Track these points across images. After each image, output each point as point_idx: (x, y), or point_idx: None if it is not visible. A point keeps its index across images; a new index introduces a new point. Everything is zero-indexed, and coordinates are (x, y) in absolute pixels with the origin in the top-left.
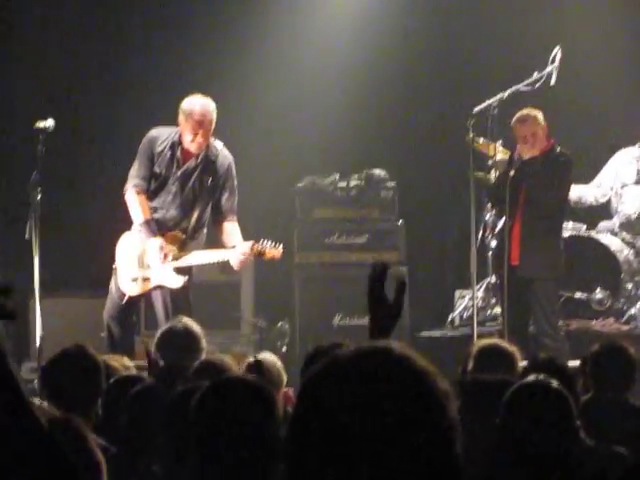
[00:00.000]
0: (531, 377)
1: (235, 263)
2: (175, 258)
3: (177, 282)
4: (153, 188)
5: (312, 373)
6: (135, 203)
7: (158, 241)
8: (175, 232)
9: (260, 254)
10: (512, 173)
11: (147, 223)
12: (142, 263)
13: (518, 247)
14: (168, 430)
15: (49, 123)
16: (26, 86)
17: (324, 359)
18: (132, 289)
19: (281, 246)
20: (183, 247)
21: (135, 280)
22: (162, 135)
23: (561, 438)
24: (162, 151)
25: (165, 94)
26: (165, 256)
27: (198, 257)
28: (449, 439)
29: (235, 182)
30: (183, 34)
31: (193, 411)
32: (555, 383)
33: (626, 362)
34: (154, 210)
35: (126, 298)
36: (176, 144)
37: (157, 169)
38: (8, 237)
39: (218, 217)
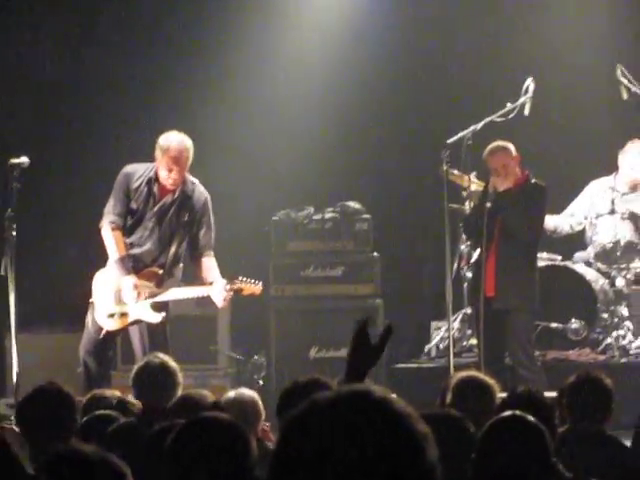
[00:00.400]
0: (507, 412)
1: (218, 300)
2: (152, 294)
3: (155, 318)
4: (130, 224)
5: (291, 417)
6: (111, 240)
7: (132, 279)
8: (152, 268)
9: (238, 291)
10: (488, 205)
11: (122, 260)
12: (119, 299)
13: (493, 278)
14: (145, 469)
15: (23, 160)
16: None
17: (303, 402)
18: (110, 324)
19: (260, 283)
20: (160, 283)
21: (112, 316)
22: (138, 171)
23: (537, 473)
24: (138, 187)
25: (141, 129)
26: (139, 294)
27: (176, 293)
28: None
29: (212, 217)
30: (157, 66)
31: (167, 450)
32: (531, 417)
33: (602, 393)
34: (131, 246)
35: (103, 333)
36: (152, 180)
37: (134, 205)
38: None
39: (195, 253)
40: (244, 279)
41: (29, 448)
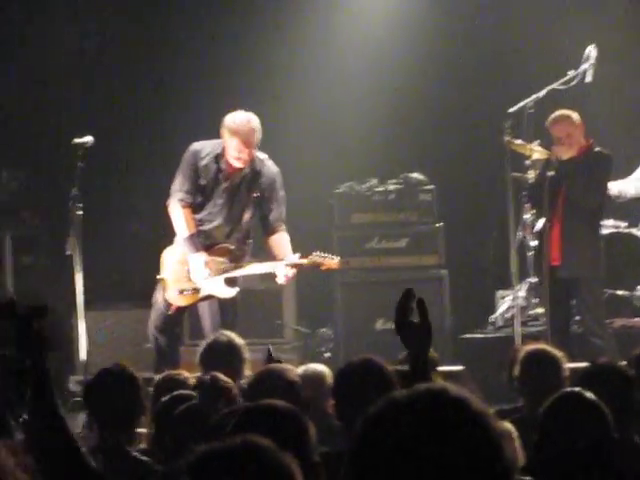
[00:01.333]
0: (568, 389)
1: (280, 277)
2: (225, 270)
3: (229, 292)
4: (199, 201)
5: (369, 415)
6: (180, 217)
7: (203, 256)
8: (224, 244)
9: (316, 265)
10: (550, 174)
11: (192, 237)
12: (190, 276)
13: (558, 248)
14: None
15: (87, 139)
16: (66, 102)
17: (380, 401)
18: (181, 300)
19: (338, 258)
20: (233, 259)
21: (183, 292)
22: (205, 148)
23: (600, 451)
24: (206, 164)
25: (206, 107)
26: (211, 271)
27: (248, 269)
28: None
29: (282, 193)
30: (216, 51)
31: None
32: (591, 395)
33: None
34: (200, 222)
35: (173, 308)
36: (220, 157)
37: (202, 182)
38: (51, 253)
39: (267, 229)
40: (321, 254)
41: (98, 430)
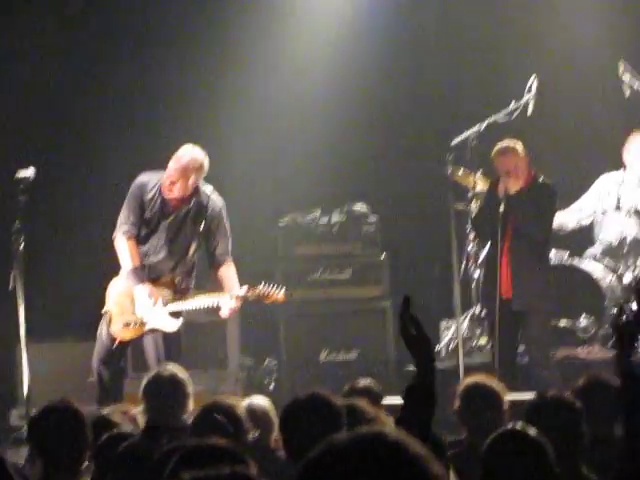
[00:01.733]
0: (508, 426)
1: (224, 310)
2: (170, 302)
3: (173, 326)
4: (144, 233)
5: (309, 460)
6: (125, 250)
7: (147, 287)
8: (169, 277)
9: (261, 297)
10: (502, 208)
11: (135, 270)
12: (134, 309)
13: (508, 280)
14: None
15: (30, 172)
16: (6, 134)
17: (320, 445)
18: (125, 333)
19: (284, 289)
20: (177, 292)
21: (128, 325)
22: (151, 181)
23: None
24: (152, 197)
25: (151, 137)
26: (156, 303)
27: (193, 302)
28: None
29: (227, 225)
30: (159, 76)
31: (167, 477)
32: (532, 432)
33: (612, 395)
34: (146, 255)
35: (117, 343)
36: (164, 187)
37: (148, 214)
38: None
39: (214, 262)
40: (266, 286)
41: (42, 465)
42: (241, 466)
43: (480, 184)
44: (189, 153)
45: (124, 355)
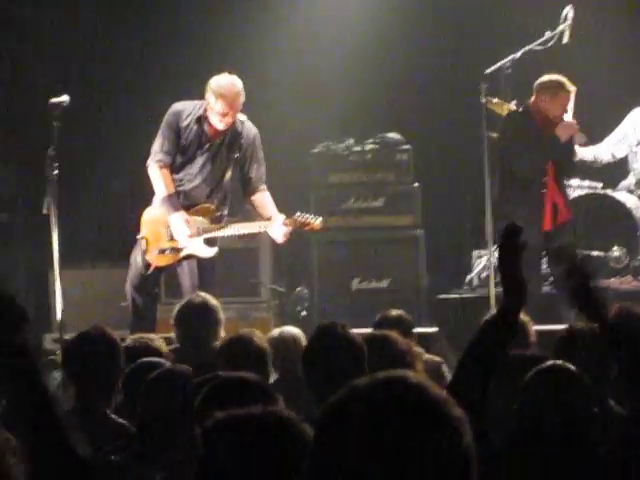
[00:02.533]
0: (548, 363)
1: (278, 236)
2: (206, 230)
3: (209, 252)
4: (180, 161)
5: (330, 404)
6: (158, 178)
7: (183, 215)
8: (205, 205)
9: (298, 226)
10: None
11: (170, 197)
12: (170, 235)
13: (552, 213)
14: (185, 419)
15: (64, 98)
16: (42, 61)
17: (342, 389)
18: (161, 260)
19: (320, 218)
20: (214, 219)
21: (164, 251)
22: (187, 109)
23: (584, 421)
24: (188, 125)
25: (188, 66)
26: (192, 230)
27: (231, 229)
28: (465, 466)
29: (261, 153)
30: (196, 13)
31: (196, 410)
32: (572, 367)
33: None
34: (181, 183)
35: (152, 268)
36: (202, 118)
37: (184, 142)
38: (27, 212)
39: (248, 188)
40: (303, 214)
41: (75, 391)
42: (271, 403)
43: None
44: (233, 83)
45: (158, 282)
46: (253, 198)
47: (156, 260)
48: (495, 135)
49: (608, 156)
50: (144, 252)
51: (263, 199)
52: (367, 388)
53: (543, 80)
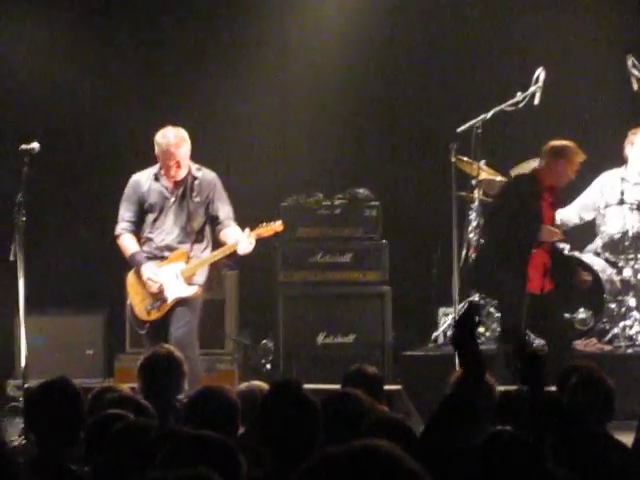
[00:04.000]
0: (498, 428)
1: (244, 247)
2: (184, 271)
3: (190, 290)
4: (153, 219)
5: (304, 469)
6: (122, 245)
7: (150, 267)
8: (179, 250)
9: (262, 233)
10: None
11: (133, 256)
12: (151, 291)
13: (542, 277)
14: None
15: (34, 145)
16: (11, 107)
17: (316, 455)
18: (152, 315)
19: (280, 221)
20: (189, 260)
21: (152, 309)
22: (143, 175)
23: None
24: (149, 187)
25: (146, 114)
26: (164, 277)
27: (204, 258)
28: None
29: (225, 193)
30: (157, 62)
31: (158, 465)
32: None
33: (605, 394)
34: (159, 237)
35: (147, 326)
36: (159, 175)
37: (151, 202)
38: None
39: (219, 227)
40: (263, 224)
41: (36, 441)
42: (233, 464)
43: (484, 173)
44: (164, 135)
45: (165, 329)
46: (222, 232)
47: (148, 317)
48: (465, 194)
49: (576, 219)
50: (134, 315)
51: (230, 230)
52: (340, 457)
53: (558, 144)
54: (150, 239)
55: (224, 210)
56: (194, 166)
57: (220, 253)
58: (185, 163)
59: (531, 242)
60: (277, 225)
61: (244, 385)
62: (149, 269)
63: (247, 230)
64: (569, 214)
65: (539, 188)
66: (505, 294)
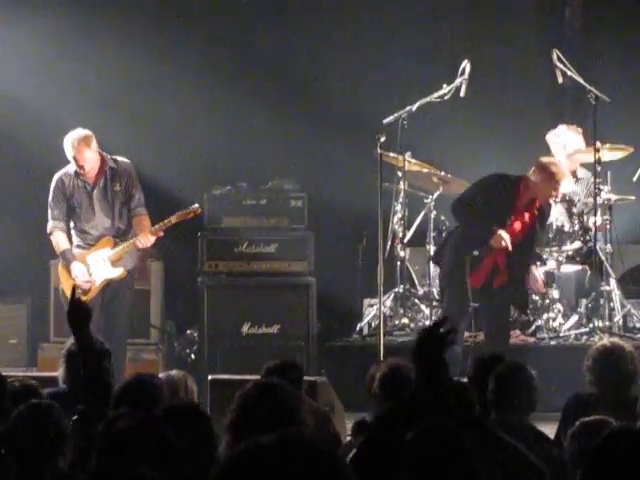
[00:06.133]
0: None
1: (141, 241)
2: (110, 256)
3: (117, 272)
4: (80, 212)
5: (234, 456)
6: (54, 241)
7: (78, 263)
8: (104, 238)
9: (183, 216)
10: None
11: (63, 253)
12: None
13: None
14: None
15: None
16: None
17: (246, 444)
18: (84, 296)
19: (196, 204)
20: (115, 246)
21: (82, 292)
22: (64, 175)
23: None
24: (72, 185)
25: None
26: (91, 266)
27: (125, 245)
28: None
29: (137, 180)
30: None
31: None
32: (453, 428)
33: (527, 385)
34: (89, 227)
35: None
36: (77, 172)
37: (77, 198)
38: None
39: (130, 213)
40: (180, 211)
41: None
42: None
43: (409, 164)
44: (72, 136)
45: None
46: (133, 221)
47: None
48: (390, 185)
49: None
50: (66, 299)
51: (141, 221)
52: (270, 446)
53: (547, 162)
54: (81, 231)
55: (135, 197)
56: (108, 156)
57: (129, 245)
58: (92, 164)
59: (479, 241)
60: (195, 208)
61: (164, 374)
62: (77, 268)
63: (158, 225)
64: None
65: (513, 193)
66: (444, 286)
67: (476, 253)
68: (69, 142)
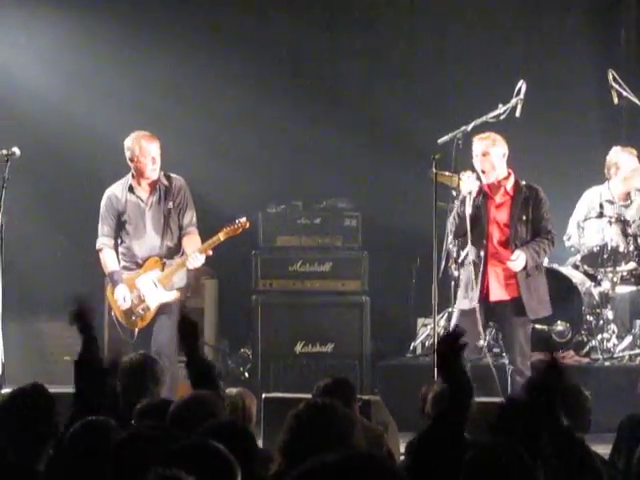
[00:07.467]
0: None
1: (191, 262)
2: (159, 279)
3: (170, 296)
4: (131, 229)
5: (299, 474)
6: (103, 259)
7: (123, 288)
8: (152, 258)
9: (231, 233)
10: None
11: (110, 275)
12: (133, 300)
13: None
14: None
15: (14, 150)
16: None
17: (311, 460)
18: (137, 325)
19: (244, 217)
20: (164, 267)
21: (136, 318)
22: (117, 189)
23: None
24: (125, 200)
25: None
26: (140, 289)
27: (175, 265)
28: None
29: (191, 198)
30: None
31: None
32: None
33: (582, 405)
34: (138, 245)
35: (137, 333)
36: (133, 187)
37: (129, 214)
38: None
39: (182, 233)
40: (227, 227)
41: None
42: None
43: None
44: (138, 133)
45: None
46: (184, 240)
47: (135, 326)
48: (446, 204)
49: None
50: (121, 325)
51: (191, 240)
52: (335, 465)
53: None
54: (129, 249)
55: (187, 216)
56: (161, 173)
57: (179, 266)
58: (159, 160)
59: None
60: (243, 222)
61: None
62: (120, 293)
63: (199, 245)
64: (574, 237)
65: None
66: None
67: None
68: (135, 138)
